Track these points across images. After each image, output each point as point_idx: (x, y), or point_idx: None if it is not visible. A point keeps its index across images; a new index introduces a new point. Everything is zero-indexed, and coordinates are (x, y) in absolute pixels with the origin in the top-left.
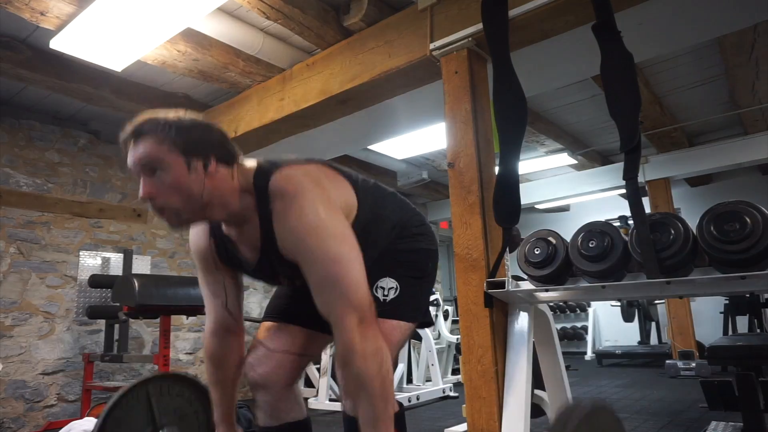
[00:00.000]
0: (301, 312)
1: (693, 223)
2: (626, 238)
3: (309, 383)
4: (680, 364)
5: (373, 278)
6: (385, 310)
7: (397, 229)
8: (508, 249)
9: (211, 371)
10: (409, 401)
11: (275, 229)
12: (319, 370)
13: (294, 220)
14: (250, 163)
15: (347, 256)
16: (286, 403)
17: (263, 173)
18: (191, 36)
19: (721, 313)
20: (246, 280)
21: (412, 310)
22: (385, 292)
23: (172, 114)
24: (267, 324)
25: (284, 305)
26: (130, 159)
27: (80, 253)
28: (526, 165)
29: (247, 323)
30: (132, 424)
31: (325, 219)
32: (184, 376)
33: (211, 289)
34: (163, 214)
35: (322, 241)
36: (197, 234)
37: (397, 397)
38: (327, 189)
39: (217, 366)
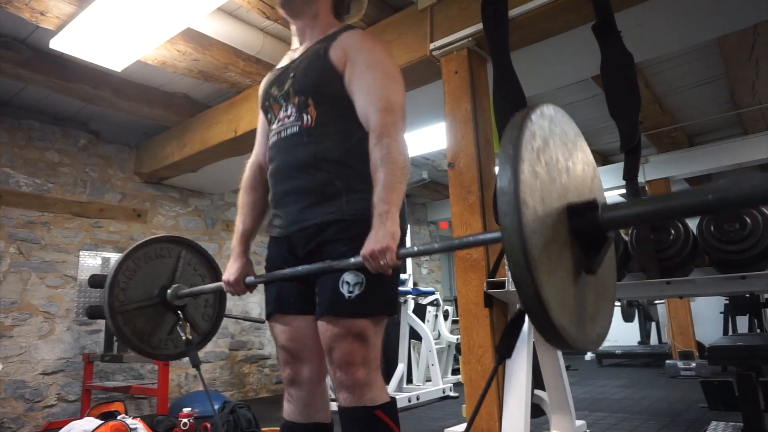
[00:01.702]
0: (298, 295)
1: (693, 224)
2: (626, 238)
3: None
4: (680, 364)
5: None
6: (350, 308)
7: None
8: None
9: (242, 195)
10: (409, 401)
11: (340, 38)
12: None
13: (365, 40)
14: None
15: (401, 80)
16: (317, 401)
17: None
18: (191, 36)
19: (721, 313)
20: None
21: (381, 304)
22: (350, 288)
23: None
24: (278, 326)
25: (284, 292)
26: None
27: (80, 253)
28: None
29: (247, 323)
30: (156, 268)
31: (391, 61)
32: (212, 262)
33: (261, 129)
34: None
35: (388, 65)
36: (267, 78)
37: (397, 397)
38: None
39: (248, 190)
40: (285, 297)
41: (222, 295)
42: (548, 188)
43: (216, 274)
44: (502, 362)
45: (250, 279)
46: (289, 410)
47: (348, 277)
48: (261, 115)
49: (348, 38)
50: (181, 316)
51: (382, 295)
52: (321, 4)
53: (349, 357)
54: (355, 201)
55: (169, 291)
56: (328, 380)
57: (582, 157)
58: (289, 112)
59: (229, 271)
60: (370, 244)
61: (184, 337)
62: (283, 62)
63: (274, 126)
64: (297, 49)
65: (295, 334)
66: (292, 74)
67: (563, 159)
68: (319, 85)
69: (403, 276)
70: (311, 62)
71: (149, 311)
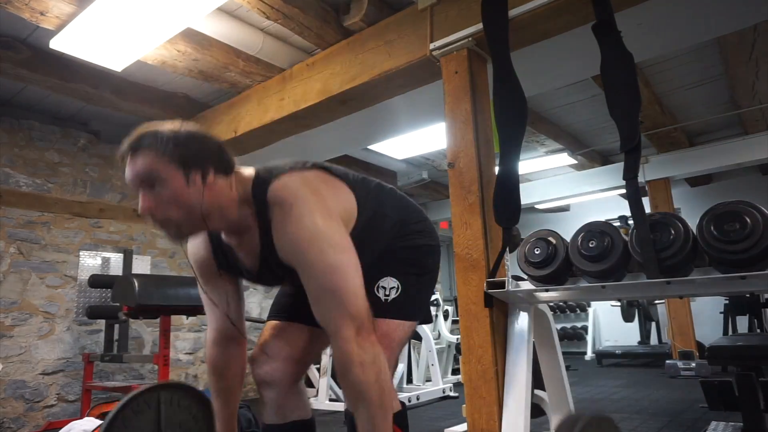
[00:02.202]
0: (304, 309)
1: (693, 223)
2: (626, 238)
3: (309, 383)
4: (680, 364)
5: (374, 278)
6: (387, 309)
7: (397, 227)
8: (508, 249)
9: (213, 380)
10: (409, 401)
11: (274, 238)
12: (319, 370)
13: (292, 230)
14: (248, 171)
15: (345, 265)
16: (292, 401)
17: (261, 182)
18: (191, 36)
19: (721, 313)
20: (246, 282)
21: (414, 308)
22: (387, 292)
23: (168, 126)
24: (272, 323)
25: (288, 303)
26: (128, 173)
27: (80, 253)
28: (526, 165)
29: (247, 323)
30: (139, 426)
31: (322, 228)
32: (198, 392)
33: (212, 298)
34: (163, 227)
35: (319, 250)
36: (196, 245)
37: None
38: (325, 197)
39: (219, 375)
40: (285, 307)
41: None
42: None
43: (203, 401)
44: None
45: None
46: (265, 414)
47: (384, 282)
48: (204, 284)
49: (278, 234)
50: None
51: (419, 300)
52: (217, 205)
53: None
54: (393, 244)
55: None
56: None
57: None
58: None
59: None
60: None
61: None
62: (225, 239)
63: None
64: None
65: (283, 331)
66: (264, 274)
67: None
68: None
69: None
70: (279, 270)
71: None
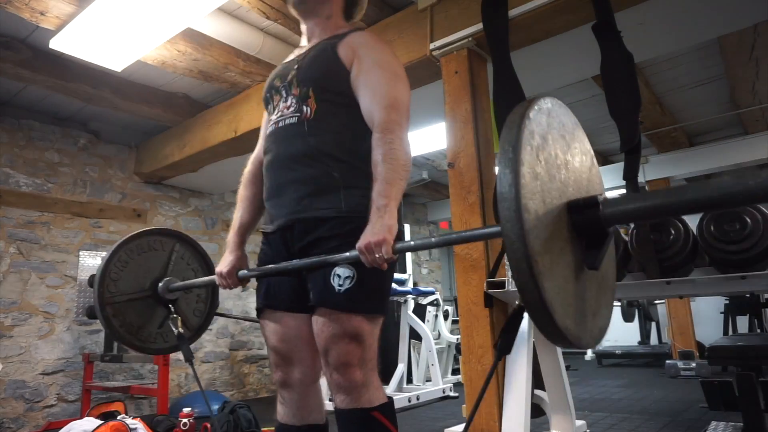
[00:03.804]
0: (290, 291)
1: (693, 223)
2: (626, 238)
3: None
4: (680, 364)
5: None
6: (342, 301)
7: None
8: None
9: (242, 188)
10: (409, 401)
11: (349, 37)
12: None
13: (374, 40)
14: None
15: (407, 82)
16: (310, 403)
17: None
18: (191, 36)
19: (721, 313)
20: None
21: (374, 300)
22: (341, 281)
23: None
24: (270, 325)
25: (274, 287)
26: None
27: (80, 253)
28: None
29: (247, 323)
30: (149, 260)
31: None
32: (204, 254)
33: (265, 124)
34: None
35: (395, 65)
36: (277, 68)
37: (397, 397)
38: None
39: (247, 184)
40: (274, 292)
41: (214, 290)
42: (548, 187)
43: (209, 269)
44: (502, 358)
45: (243, 272)
46: (282, 412)
47: (339, 270)
48: (265, 113)
49: (357, 37)
50: (172, 309)
51: (374, 291)
52: (335, 5)
53: (345, 358)
54: (353, 197)
55: (160, 284)
56: (323, 381)
57: (579, 147)
58: (289, 102)
59: (223, 263)
60: (366, 237)
61: (175, 331)
62: (290, 57)
63: (273, 116)
64: (304, 46)
65: (285, 334)
66: (296, 66)
67: (562, 153)
68: (323, 77)
69: (403, 276)
70: (318, 55)
71: (140, 304)
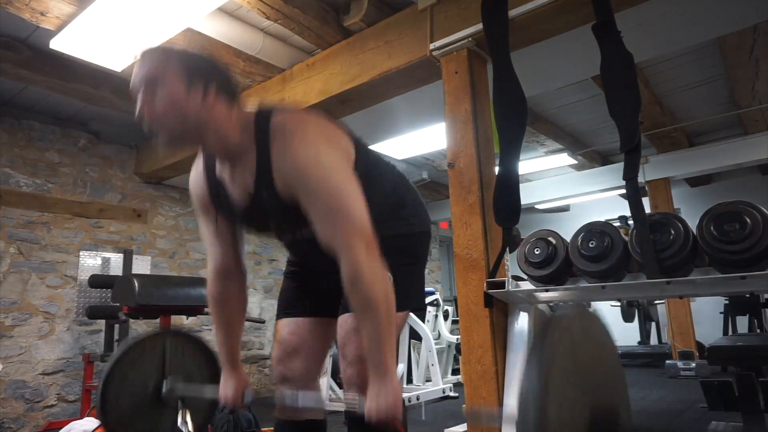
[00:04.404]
0: (312, 301)
1: (693, 223)
2: (626, 238)
3: None
4: (680, 364)
5: None
6: None
7: (390, 201)
8: (508, 249)
9: (214, 311)
10: (409, 401)
11: (274, 162)
12: None
13: (296, 153)
14: (250, 107)
15: (351, 187)
16: None
17: (265, 111)
18: (191, 36)
19: (721, 313)
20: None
21: (405, 298)
22: None
23: (181, 46)
24: (286, 320)
25: (294, 297)
26: (134, 76)
27: (80, 253)
28: (526, 165)
29: (247, 323)
30: (144, 370)
31: (328, 152)
32: (201, 341)
33: (211, 233)
34: (156, 130)
35: (325, 172)
36: (195, 179)
37: None
38: (329, 128)
39: (219, 305)
40: (292, 302)
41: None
42: (571, 394)
43: (208, 352)
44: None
45: (248, 394)
46: (280, 408)
47: None
48: (204, 220)
49: (279, 158)
50: (180, 404)
51: (409, 289)
52: (213, 122)
53: (360, 351)
54: (384, 228)
55: (163, 391)
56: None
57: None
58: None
59: (227, 389)
60: (375, 403)
61: None
62: (219, 172)
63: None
64: (224, 167)
65: (299, 327)
66: (253, 213)
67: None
68: (296, 220)
69: None
70: (270, 205)
71: (146, 414)
